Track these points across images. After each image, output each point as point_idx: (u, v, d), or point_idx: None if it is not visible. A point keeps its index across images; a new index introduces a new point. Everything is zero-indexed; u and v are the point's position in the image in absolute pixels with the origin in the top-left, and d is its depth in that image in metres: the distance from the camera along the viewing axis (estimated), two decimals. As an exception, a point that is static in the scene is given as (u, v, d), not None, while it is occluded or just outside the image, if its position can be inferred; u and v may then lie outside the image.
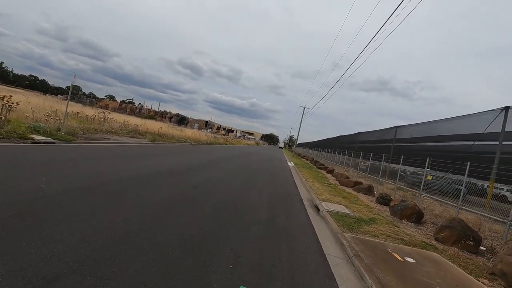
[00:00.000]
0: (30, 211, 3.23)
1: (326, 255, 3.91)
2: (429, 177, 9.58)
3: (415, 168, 17.15)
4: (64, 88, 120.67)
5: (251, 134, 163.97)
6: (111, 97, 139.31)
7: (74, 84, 10.33)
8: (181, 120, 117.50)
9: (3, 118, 8.00)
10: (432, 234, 6.43)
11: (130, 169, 7.04)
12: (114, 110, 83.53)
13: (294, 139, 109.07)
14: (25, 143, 7.82)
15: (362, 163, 18.37)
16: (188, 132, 33.53)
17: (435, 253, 4.89)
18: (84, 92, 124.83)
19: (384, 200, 9.68)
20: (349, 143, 26.57)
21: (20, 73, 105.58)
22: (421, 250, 4.92)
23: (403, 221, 7.41)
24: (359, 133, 23.27)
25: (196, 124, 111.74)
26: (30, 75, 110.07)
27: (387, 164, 15.33)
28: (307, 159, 39.15)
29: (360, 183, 13.23)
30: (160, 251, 2.93)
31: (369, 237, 5.09)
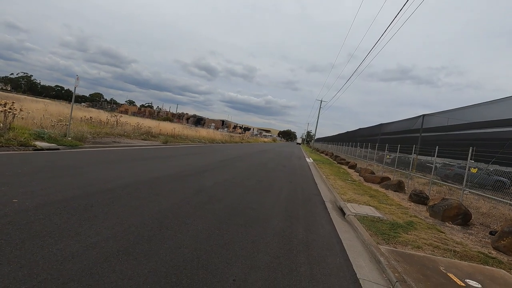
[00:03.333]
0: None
1: (360, 281, 2.97)
2: (474, 170, 8.22)
3: (445, 159, 15.51)
4: (88, 96, 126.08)
5: (267, 131, 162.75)
6: (131, 102, 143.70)
7: (81, 87, 9.96)
8: (198, 121, 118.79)
9: (1, 125, 7.69)
10: (487, 240, 5.25)
11: (127, 175, 6.42)
12: (134, 114, 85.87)
13: (311, 134, 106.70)
14: (26, 150, 7.45)
15: (387, 156, 16.90)
16: (203, 132, 33.21)
17: (502, 270, 3.79)
18: (105, 99, 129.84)
19: (418, 197, 8.46)
20: (370, 135, 24.96)
21: (47, 84, 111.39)
22: (483, 266, 3.83)
23: (447, 223, 6.23)
24: (380, 124, 21.68)
25: (213, 124, 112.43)
26: (56, 86, 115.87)
27: (415, 157, 13.85)
28: (326, 154, 37.63)
29: (387, 178, 11.97)
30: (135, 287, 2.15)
31: (412, 249, 4.07)
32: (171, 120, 77.81)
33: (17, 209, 3.33)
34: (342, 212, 6.17)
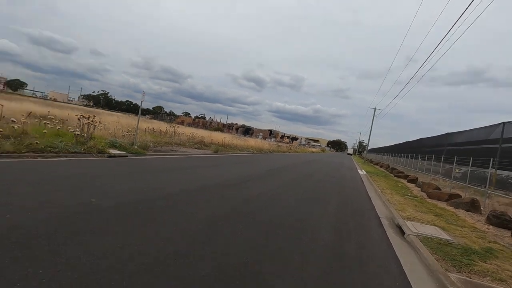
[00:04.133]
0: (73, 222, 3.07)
1: (424, 312, 2.62)
2: None
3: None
4: (151, 109, 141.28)
5: (316, 141, 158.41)
6: (187, 114, 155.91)
7: (148, 102, 11.25)
8: (247, 131, 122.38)
9: (85, 135, 9.12)
10: None
11: (182, 181, 6.91)
12: (189, 125, 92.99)
13: (364, 144, 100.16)
14: (102, 156, 8.66)
15: (456, 170, 14.80)
16: (251, 141, 34.02)
17: None
18: (165, 111, 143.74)
19: (499, 220, 7.16)
20: (435, 146, 22.26)
21: (120, 100, 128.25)
22: None
23: (541, 254, 5.10)
24: (447, 134, 19.21)
25: (261, 134, 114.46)
26: (127, 100, 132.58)
27: (493, 171, 11.83)
28: (381, 166, 34.78)
29: (457, 195, 10.47)
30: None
31: (492, 281, 3.43)
32: (221, 130, 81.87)
33: (93, 208, 3.87)
34: (400, 230, 5.58)
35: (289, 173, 12.64)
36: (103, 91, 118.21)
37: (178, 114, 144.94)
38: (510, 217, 7.24)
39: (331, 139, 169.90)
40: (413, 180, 16.88)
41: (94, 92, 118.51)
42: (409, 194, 10.95)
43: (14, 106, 14.41)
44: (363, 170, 23.11)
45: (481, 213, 8.61)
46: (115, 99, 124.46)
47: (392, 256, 4.01)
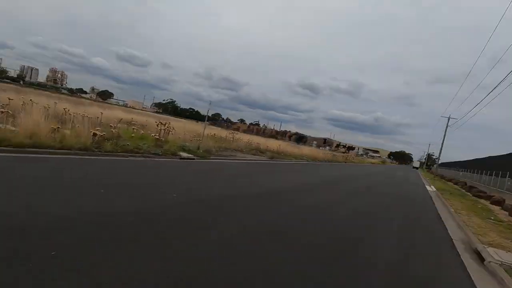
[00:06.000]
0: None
1: None
2: None
3: None
4: (210, 115, 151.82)
5: (375, 151, 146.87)
6: (242, 120, 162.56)
7: (210, 109, 12.46)
8: (300, 139, 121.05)
9: (163, 139, 10.57)
10: None
11: (244, 185, 7.45)
12: (244, 131, 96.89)
13: (434, 157, 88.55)
14: (174, 158, 9.90)
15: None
16: (305, 150, 33.70)
17: None
18: (222, 118, 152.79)
19: None
20: (530, 163, 18.51)
21: (184, 107, 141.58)
22: None
23: None
24: (550, 149, 15.83)
25: (315, 142, 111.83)
26: (190, 108, 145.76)
27: None
28: (455, 183, 30.38)
29: (561, 225, 8.61)
30: None
31: None
32: (275, 137, 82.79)
33: (175, 202, 4.59)
34: (479, 257, 4.98)
35: (346, 185, 12.24)
36: (171, 99, 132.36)
37: (234, 121, 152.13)
38: None
39: (393, 150, 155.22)
40: (498, 202, 14.38)
41: (164, 100, 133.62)
42: (493, 218, 9.47)
43: (106, 113, 17.46)
44: (432, 187, 20.64)
45: None
46: (180, 107, 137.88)
47: (469, 284, 3.65)
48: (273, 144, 26.50)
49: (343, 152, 76.97)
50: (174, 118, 53.24)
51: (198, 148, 12.51)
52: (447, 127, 48.65)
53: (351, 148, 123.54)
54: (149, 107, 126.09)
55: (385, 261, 3.80)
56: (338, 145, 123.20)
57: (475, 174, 30.02)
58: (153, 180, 6.00)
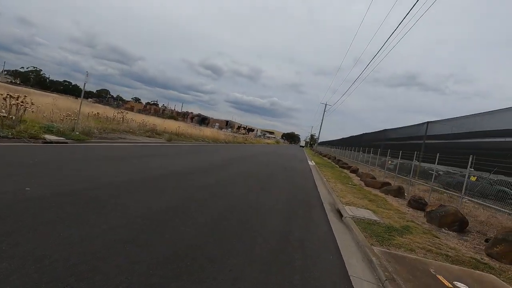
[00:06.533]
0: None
1: (351, 278, 3.12)
2: (473, 178, 8.28)
3: (448, 167, 15.50)
4: (94, 92, 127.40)
5: (271, 133, 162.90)
6: (137, 99, 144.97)
7: (88, 82, 10.24)
8: (202, 120, 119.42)
9: (13, 118, 7.99)
10: (481, 247, 5.34)
11: (132, 170, 6.64)
12: (139, 111, 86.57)
13: (315, 137, 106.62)
14: (36, 143, 7.71)
15: (389, 162, 16.94)
16: (206, 131, 33.48)
17: (491, 275, 3.89)
18: (112, 95, 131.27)
19: (417, 204, 8.54)
20: (374, 140, 25.01)
21: (55, 79, 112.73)
22: (473, 270, 3.94)
23: (443, 229, 6.32)
24: (385, 130, 21.77)
25: (217, 124, 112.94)
26: (65, 81, 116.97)
27: (417, 163, 13.89)
28: (329, 158, 37.64)
29: (388, 184, 12.03)
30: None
31: (405, 252, 4.19)
32: (175, 119, 78.35)
33: (29, 196, 3.54)
34: (340, 214, 6.30)
35: (243, 163, 12.94)
36: (34, 67, 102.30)
37: (127, 100, 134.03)
38: (425, 201, 8.69)
39: (286, 132, 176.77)
40: (355, 171, 18.76)
41: (22, 68, 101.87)
42: (350, 183, 12.22)
43: None
44: (312, 161, 24.76)
45: (405, 198, 10.11)
46: (50, 78, 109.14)
47: (330, 235, 4.56)
48: (172, 125, 24.88)
49: (244, 134, 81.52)
50: (40, 91, 41.56)
51: (73, 130, 10.23)
52: (324, 112, 58.96)
53: (251, 130, 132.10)
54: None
55: (272, 221, 4.42)
56: (239, 127, 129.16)
57: (341, 150, 37.99)
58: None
